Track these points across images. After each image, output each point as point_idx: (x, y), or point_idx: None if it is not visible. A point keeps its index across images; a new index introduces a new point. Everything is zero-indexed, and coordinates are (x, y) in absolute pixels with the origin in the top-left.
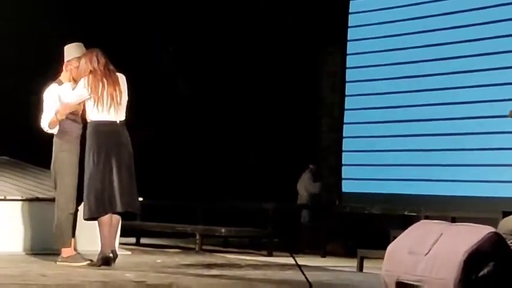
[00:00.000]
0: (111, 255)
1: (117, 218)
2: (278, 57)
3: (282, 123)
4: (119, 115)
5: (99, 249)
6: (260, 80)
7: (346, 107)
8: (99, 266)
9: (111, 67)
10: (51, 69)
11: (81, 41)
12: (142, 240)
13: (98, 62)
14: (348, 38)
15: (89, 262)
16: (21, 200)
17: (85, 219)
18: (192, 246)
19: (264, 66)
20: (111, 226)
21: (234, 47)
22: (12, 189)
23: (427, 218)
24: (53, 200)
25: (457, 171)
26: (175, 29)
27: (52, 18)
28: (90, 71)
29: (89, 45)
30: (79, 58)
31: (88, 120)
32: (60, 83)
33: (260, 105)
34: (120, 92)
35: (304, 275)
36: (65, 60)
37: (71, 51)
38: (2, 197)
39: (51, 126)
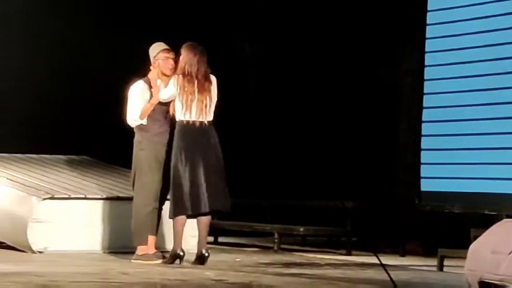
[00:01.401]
0: (205, 253)
1: (208, 217)
2: (355, 55)
3: (359, 121)
4: (207, 116)
5: (171, 247)
6: (338, 78)
7: (424, 105)
8: (171, 263)
9: (208, 72)
10: (134, 68)
11: (162, 39)
12: (220, 239)
13: (197, 69)
14: (427, 36)
15: (162, 260)
16: (101, 198)
17: (170, 218)
18: (270, 245)
19: (342, 65)
20: (203, 225)
21: (313, 45)
22: (92, 188)
23: (508, 217)
24: (132, 198)
25: None
26: (252, 26)
27: (133, 17)
28: (183, 72)
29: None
30: (182, 51)
31: (176, 119)
32: (148, 81)
33: (338, 103)
34: (211, 100)
35: (389, 275)
36: (151, 57)
37: (156, 48)
38: (83, 196)
39: (142, 116)
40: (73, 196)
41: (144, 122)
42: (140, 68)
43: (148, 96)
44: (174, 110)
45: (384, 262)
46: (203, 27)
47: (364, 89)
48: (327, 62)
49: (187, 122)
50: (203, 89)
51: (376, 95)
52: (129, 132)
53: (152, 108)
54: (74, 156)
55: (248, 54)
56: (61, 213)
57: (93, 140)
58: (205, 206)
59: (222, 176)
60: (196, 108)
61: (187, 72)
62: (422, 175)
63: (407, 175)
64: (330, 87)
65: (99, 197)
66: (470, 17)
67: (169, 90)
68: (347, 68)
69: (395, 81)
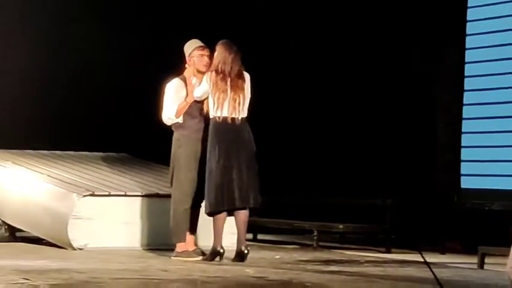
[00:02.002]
0: (244, 250)
1: (245, 214)
2: (395, 53)
3: (399, 119)
4: (240, 113)
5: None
6: (378, 76)
7: (464, 102)
8: (210, 260)
9: (242, 71)
10: (171, 66)
11: (198, 36)
12: (259, 236)
13: (231, 68)
14: (467, 33)
15: (201, 257)
16: (141, 195)
17: (206, 214)
18: (308, 242)
19: (381, 63)
20: (241, 222)
21: (352, 41)
22: (132, 185)
23: None
24: (171, 196)
25: None
26: (283, 22)
27: (170, 14)
28: (217, 70)
29: (206, 42)
30: (218, 48)
31: (210, 116)
32: (184, 79)
33: (377, 101)
34: (244, 98)
35: (433, 273)
36: (186, 55)
37: (191, 45)
38: (123, 193)
39: (177, 114)
40: (113, 193)
41: (180, 120)
42: (177, 65)
43: (184, 94)
44: (207, 107)
45: (423, 260)
46: (234, 24)
47: (403, 87)
48: (366, 59)
49: (220, 118)
50: (236, 86)
51: (416, 93)
52: (168, 130)
53: (187, 106)
54: (113, 154)
55: (291, 49)
56: (101, 210)
57: (132, 137)
58: (237, 202)
59: (255, 172)
60: (229, 105)
61: (221, 70)
62: (462, 172)
63: (447, 173)
64: (370, 84)
65: (138, 194)
66: (510, 14)
67: (202, 87)
68: (387, 65)
69: (435, 78)
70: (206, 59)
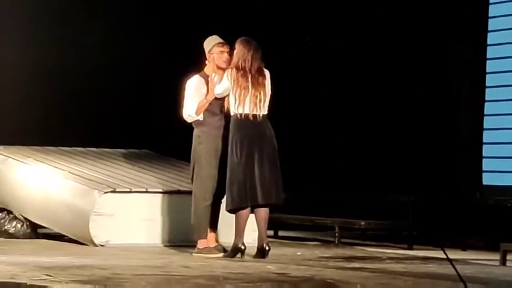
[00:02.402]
0: (266, 247)
1: (265, 211)
2: (416, 48)
3: (420, 115)
4: (261, 110)
5: (233, 240)
6: (400, 71)
7: (486, 99)
8: (232, 257)
9: (262, 68)
10: (191, 62)
11: (219, 32)
12: (280, 233)
13: (251, 64)
14: (488, 29)
15: (223, 254)
16: (162, 192)
17: (227, 211)
18: (330, 239)
19: (402, 58)
20: (262, 219)
21: (372, 37)
22: (153, 181)
23: None
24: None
25: None
26: (309, 18)
27: (190, 10)
28: (237, 66)
29: (226, 38)
30: (237, 46)
31: (231, 113)
32: (204, 75)
33: (399, 97)
34: (265, 95)
35: (456, 271)
36: (206, 52)
37: (211, 42)
38: (144, 190)
39: (198, 112)
40: (134, 190)
41: (200, 117)
42: (198, 61)
43: (205, 91)
44: (228, 104)
45: (445, 256)
46: (253, 21)
47: (425, 83)
48: (387, 55)
49: (242, 115)
50: (257, 83)
51: (438, 89)
52: (189, 126)
53: (208, 104)
54: (134, 150)
55: (310, 46)
56: (122, 206)
57: (154, 133)
58: (260, 198)
59: (276, 168)
60: (250, 102)
61: (241, 66)
62: (484, 169)
63: (469, 169)
64: (394, 81)
65: (160, 190)
66: None
67: (223, 84)
68: (408, 61)
69: (457, 74)
70: (226, 55)
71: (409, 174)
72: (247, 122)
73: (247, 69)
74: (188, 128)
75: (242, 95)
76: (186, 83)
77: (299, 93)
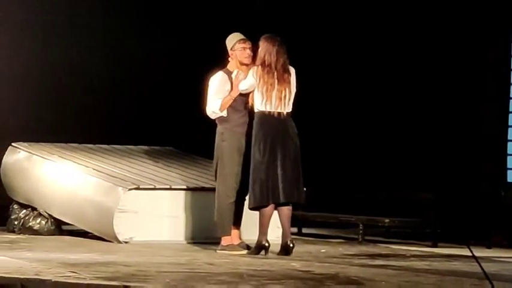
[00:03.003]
0: (290, 244)
1: (289, 209)
2: (439, 45)
3: (444, 112)
4: (285, 107)
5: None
6: (421, 69)
7: (511, 96)
8: (256, 254)
9: (287, 63)
10: (215, 59)
11: (244, 30)
12: (304, 230)
13: (276, 59)
14: None
15: (247, 251)
16: (186, 189)
17: (250, 209)
18: (353, 236)
19: (425, 55)
20: (285, 217)
21: (396, 35)
22: (177, 178)
23: None
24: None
25: None
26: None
27: (211, 10)
28: (262, 63)
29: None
30: (261, 43)
31: (255, 110)
32: (228, 72)
33: (421, 94)
34: (290, 92)
35: (482, 269)
36: (228, 48)
37: (232, 39)
38: (168, 187)
39: (222, 108)
40: (158, 187)
41: (224, 113)
42: (221, 57)
43: (228, 88)
44: (253, 101)
45: (470, 254)
46: (279, 19)
47: (447, 80)
48: (413, 53)
49: (267, 112)
50: (282, 79)
51: (461, 86)
52: (212, 123)
53: (232, 100)
54: (158, 147)
55: (339, 41)
56: (146, 203)
57: (177, 130)
58: (281, 197)
59: (298, 167)
60: (275, 99)
61: (267, 63)
62: (508, 166)
63: (493, 166)
64: (416, 78)
65: (183, 187)
66: None
67: (248, 81)
68: (433, 59)
69: (480, 71)
70: (248, 51)
71: (433, 172)
72: (271, 119)
73: (272, 65)
74: (211, 125)
75: (268, 91)
76: (209, 79)
77: (324, 90)
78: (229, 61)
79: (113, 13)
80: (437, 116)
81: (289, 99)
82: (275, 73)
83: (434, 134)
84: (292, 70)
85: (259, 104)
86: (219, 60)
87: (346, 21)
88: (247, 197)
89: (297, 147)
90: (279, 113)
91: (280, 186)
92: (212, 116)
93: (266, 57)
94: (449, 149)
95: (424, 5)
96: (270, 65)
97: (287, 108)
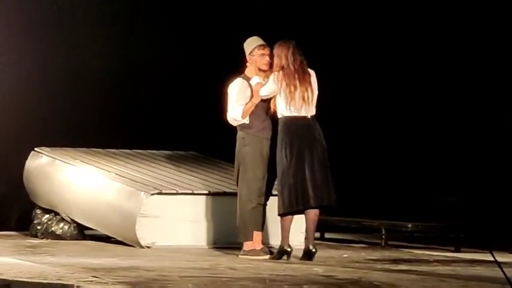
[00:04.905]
0: (312, 249)
1: (316, 213)
2: (460, 44)
3: (469, 116)
4: (309, 110)
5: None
6: (448, 73)
7: None
8: (278, 259)
9: (305, 64)
10: (234, 64)
11: (257, 34)
12: (327, 235)
13: (294, 60)
14: None
15: (269, 256)
16: (208, 194)
17: (279, 215)
18: (376, 241)
19: (448, 56)
20: (311, 221)
21: (421, 38)
22: (199, 183)
23: None
24: None
25: None
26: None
27: (228, 14)
28: (282, 66)
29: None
30: (275, 50)
31: (279, 116)
32: (246, 78)
33: (444, 96)
34: (312, 93)
35: (505, 275)
36: (247, 53)
37: (251, 44)
38: (190, 191)
39: (244, 115)
40: (180, 191)
41: (246, 120)
42: (240, 62)
43: (249, 94)
44: (275, 107)
45: (492, 259)
46: (301, 23)
47: (475, 82)
48: (438, 56)
49: (292, 117)
50: (304, 80)
51: (483, 87)
52: (233, 128)
53: (254, 107)
54: (180, 152)
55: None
56: (168, 208)
57: (200, 135)
58: (312, 201)
59: (327, 169)
60: (299, 98)
61: (285, 65)
62: None
63: None
64: (442, 82)
65: (206, 192)
66: None
67: (269, 86)
68: (459, 62)
69: (504, 71)
70: (267, 58)
71: (457, 176)
72: (296, 124)
73: (291, 66)
74: (234, 129)
75: (292, 92)
76: (227, 86)
77: (348, 95)
78: (247, 66)
79: (134, 15)
80: (463, 119)
81: (312, 99)
82: (295, 74)
83: (460, 138)
84: (312, 72)
85: (283, 109)
86: (238, 63)
87: (376, 24)
88: (269, 202)
89: (324, 149)
90: (304, 117)
91: (310, 190)
92: (234, 123)
93: (283, 62)
94: (474, 153)
95: (445, 6)
96: (288, 67)
97: (311, 110)
